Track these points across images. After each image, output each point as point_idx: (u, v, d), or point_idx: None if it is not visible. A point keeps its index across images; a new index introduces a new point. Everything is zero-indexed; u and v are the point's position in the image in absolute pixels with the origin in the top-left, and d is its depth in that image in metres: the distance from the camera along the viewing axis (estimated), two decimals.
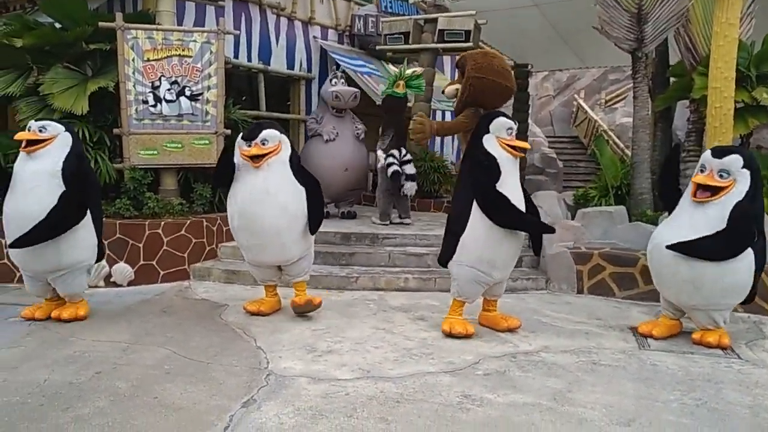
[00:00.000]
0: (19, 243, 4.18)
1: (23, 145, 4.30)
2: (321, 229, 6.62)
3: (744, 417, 3.17)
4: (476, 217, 4.23)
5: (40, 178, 4.23)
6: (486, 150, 4.25)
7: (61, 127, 4.44)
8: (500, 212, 4.20)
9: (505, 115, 4.46)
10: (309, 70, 10.59)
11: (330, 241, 6.60)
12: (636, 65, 6.99)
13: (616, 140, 12.76)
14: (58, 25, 6.39)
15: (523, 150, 4.35)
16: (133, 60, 6.28)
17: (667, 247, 4.19)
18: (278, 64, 10.08)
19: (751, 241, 4.10)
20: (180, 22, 8.03)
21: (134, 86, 6.30)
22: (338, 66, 10.38)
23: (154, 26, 6.49)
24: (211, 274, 5.92)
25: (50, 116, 5.87)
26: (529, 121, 11.65)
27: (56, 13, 6.41)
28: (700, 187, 4.17)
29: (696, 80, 6.58)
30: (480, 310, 4.73)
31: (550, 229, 4.59)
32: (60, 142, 4.37)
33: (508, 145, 4.26)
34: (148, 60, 6.35)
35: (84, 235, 4.42)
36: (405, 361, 3.86)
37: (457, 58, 7.21)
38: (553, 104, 17.19)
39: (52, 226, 4.19)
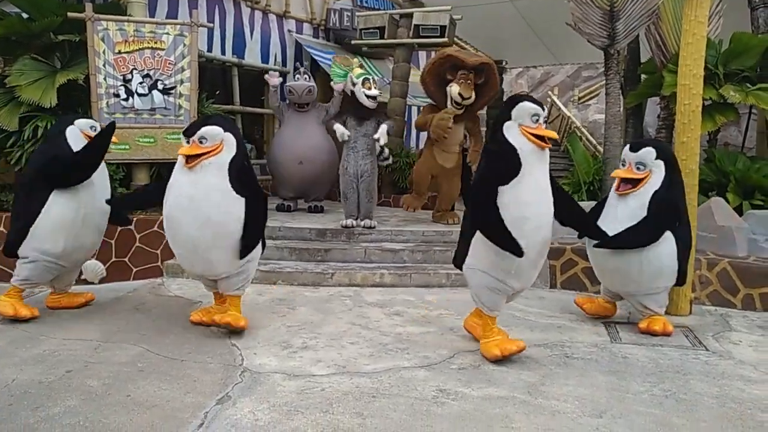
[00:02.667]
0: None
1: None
2: (296, 224, 6.76)
3: (711, 407, 3.25)
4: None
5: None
6: (504, 139, 3.74)
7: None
8: (481, 220, 3.76)
9: (531, 99, 3.92)
10: (284, 64, 10.52)
11: (305, 237, 6.57)
12: (608, 62, 7.09)
13: (589, 137, 12.93)
14: (25, 16, 6.23)
15: (551, 140, 3.80)
16: (103, 52, 6.16)
17: (594, 246, 4.47)
18: (252, 57, 9.99)
19: (669, 226, 4.34)
20: (152, 14, 7.90)
21: (105, 79, 6.18)
22: (314, 60, 10.33)
23: (125, 17, 6.36)
24: (185, 271, 5.84)
25: (17, 109, 5.76)
26: None
27: (23, 2, 6.24)
28: (622, 181, 4.43)
29: (666, 77, 6.71)
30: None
31: (519, 252, 3.66)
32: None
33: (532, 134, 3.72)
34: (120, 52, 6.23)
35: None
36: (380, 357, 3.87)
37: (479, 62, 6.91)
38: None
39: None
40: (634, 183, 4.35)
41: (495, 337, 3.92)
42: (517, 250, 3.61)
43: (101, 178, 4.65)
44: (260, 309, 4.87)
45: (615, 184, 4.54)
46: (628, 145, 4.54)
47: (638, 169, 4.35)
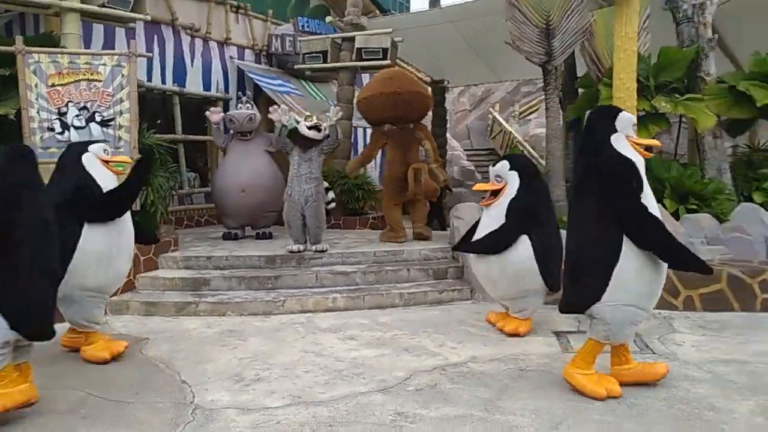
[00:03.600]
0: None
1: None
2: (244, 252, 6.64)
3: (660, 410, 3.32)
4: (629, 248, 3.40)
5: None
6: (617, 153, 3.42)
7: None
8: (652, 236, 3.38)
9: (618, 108, 3.77)
10: (226, 90, 10.44)
11: (254, 265, 6.46)
12: (547, 78, 7.31)
13: (531, 150, 13.27)
14: None
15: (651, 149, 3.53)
16: (35, 85, 5.96)
17: (453, 248, 4.89)
18: (194, 85, 9.89)
19: (525, 230, 4.60)
20: (87, 45, 7.74)
21: (38, 113, 5.98)
22: (257, 86, 10.28)
23: (58, 50, 6.19)
24: (129, 308, 5.64)
25: None
26: (448, 135, 11.91)
27: None
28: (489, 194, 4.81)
29: (602, 91, 6.97)
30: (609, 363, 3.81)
31: (707, 270, 3.40)
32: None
33: (640, 145, 3.46)
34: (53, 85, 6.04)
35: None
36: (336, 383, 3.81)
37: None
38: (469, 118, 17.68)
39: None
40: (496, 194, 4.71)
41: (590, 371, 3.59)
42: (705, 268, 3.33)
43: None
44: (210, 342, 4.73)
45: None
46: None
47: (497, 180, 4.72)
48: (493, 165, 4.84)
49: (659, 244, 3.39)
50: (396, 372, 4.00)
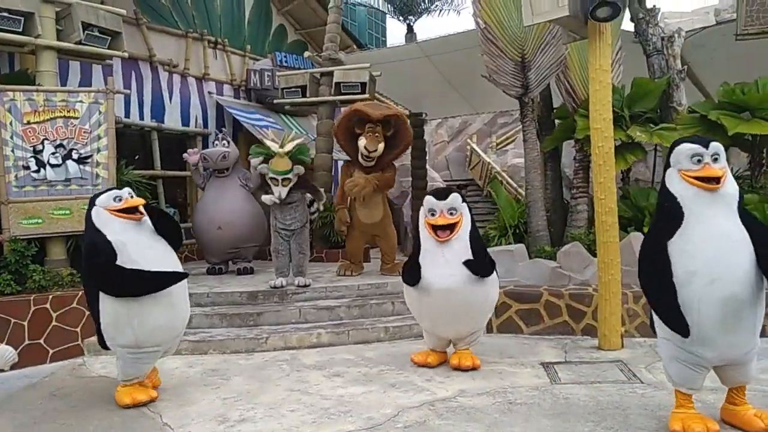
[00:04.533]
0: None
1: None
2: (225, 289, 6.53)
3: None
4: None
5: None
6: (666, 190, 3.37)
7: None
8: (646, 285, 3.38)
9: (694, 138, 3.50)
10: (205, 125, 10.42)
11: (236, 302, 6.35)
12: (523, 110, 7.42)
13: (509, 180, 13.36)
14: None
15: (716, 180, 3.21)
16: (10, 123, 5.87)
17: (465, 262, 4.49)
18: (172, 121, 9.85)
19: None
20: (64, 82, 7.68)
21: (13, 151, 5.87)
22: (237, 121, 10.28)
23: (34, 87, 6.12)
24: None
25: None
26: (427, 166, 11.98)
27: None
28: (438, 228, 4.54)
29: (578, 122, 7.08)
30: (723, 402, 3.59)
31: (684, 333, 3.18)
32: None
33: (693, 177, 3.25)
34: (29, 123, 5.96)
35: None
36: (323, 422, 3.72)
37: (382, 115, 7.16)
38: (448, 149, 17.85)
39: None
40: (452, 228, 4.53)
41: (685, 410, 3.41)
42: (681, 329, 3.15)
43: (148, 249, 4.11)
44: (192, 382, 4.61)
45: (427, 233, 4.60)
46: (430, 196, 4.65)
47: (451, 214, 4.55)
48: (439, 198, 4.58)
49: (643, 285, 3.40)
50: (384, 409, 3.92)
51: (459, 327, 4.74)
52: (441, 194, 4.63)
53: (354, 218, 7.48)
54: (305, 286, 6.59)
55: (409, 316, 6.15)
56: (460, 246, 4.54)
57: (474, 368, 4.71)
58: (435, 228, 4.54)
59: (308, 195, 6.98)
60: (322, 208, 7.59)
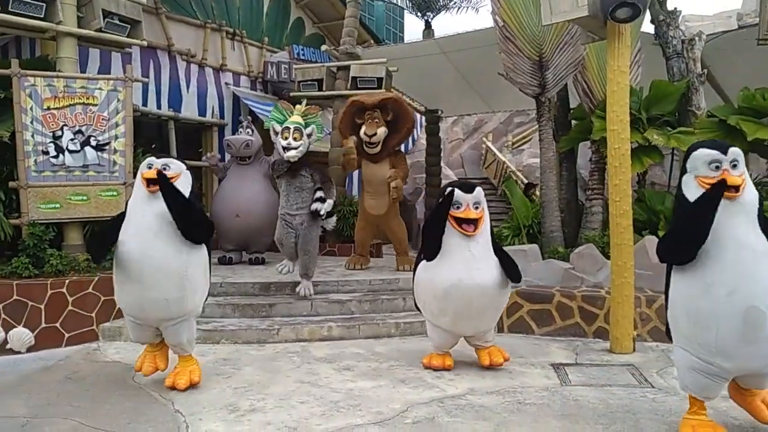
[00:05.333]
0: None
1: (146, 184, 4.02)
2: (238, 279, 6.57)
3: None
4: (676, 279, 3.27)
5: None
6: (681, 194, 3.27)
7: (183, 166, 4.22)
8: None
9: (711, 143, 3.33)
10: (221, 116, 10.46)
11: (249, 293, 6.40)
12: (540, 109, 7.39)
13: (525, 180, 13.30)
14: None
15: (736, 188, 3.08)
16: (31, 108, 5.93)
17: (502, 266, 4.45)
18: (189, 111, 9.90)
19: None
20: (84, 69, 7.74)
21: (33, 136, 5.94)
22: (252, 112, 10.32)
23: (54, 73, 6.18)
24: (123, 334, 5.54)
25: None
26: (442, 164, 11.97)
27: None
28: (465, 222, 4.37)
29: (595, 123, 7.04)
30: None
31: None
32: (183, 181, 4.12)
33: (710, 185, 3.12)
34: (49, 108, 6.02)
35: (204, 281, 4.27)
36: (332, 415, 3.74)
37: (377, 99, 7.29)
38: (463, 147, 17.78)
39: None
40: (476, 222, 4.38)
41: (697, 417, 3.39)
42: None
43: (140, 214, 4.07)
44: (204, 371, 4.63)
45: (452, 226, 4.39)
46: (455, 189, 4.44)
47: (476, 208, 4.40)
48: (466, 191, 4.40)
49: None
50: (393, 404, 3.94)
51: (480, 324, 4.64)
52: (468, 187, 4.47)
53: (361, 209, 7.61)
54: (305, 298, 6.16)
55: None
56: (484, 241, 4.46)
57: (506, 360, 4.73)
58: (460, 221, 4.38)
59: (319, 194, 6.20)
60: (333, 224, 6.58)
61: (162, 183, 3.97)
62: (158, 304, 4.03)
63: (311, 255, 6.23)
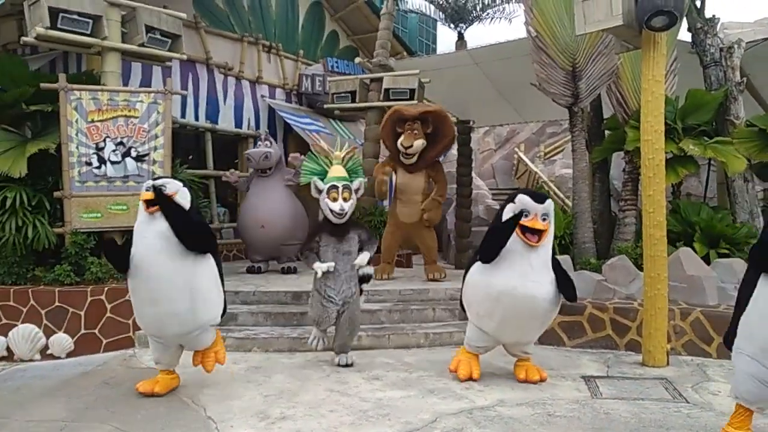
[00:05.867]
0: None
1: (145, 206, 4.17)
2: (271, 288, 6.67)
3: None
4: (763, 285, 3.16)
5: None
6: None
7: (180, 184, 4.35)
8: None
9: None
10: (257, 128, 10.66)
11: (281, 301, 6.49)
12: (573, 119, 7.33)
13: (556, 191, 13.18)
14: None
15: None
16: (76, 121, 6.17)
17: (559, 285, 4.39)
18: (226, 122, 10.12)
19: None
20: (126, 83, 7.99)
21: (77, 148, 6.16)
22: (287, 124, 10.49)
23: (99, 87, 6.41)
24: None
25: None
26: (473, 174, 11.93)
27: None
28: (529, 231, 4.31)
29: (629, 133, 6.95)
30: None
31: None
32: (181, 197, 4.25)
33: None
34: (93, 121, 6.24)
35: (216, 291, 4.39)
36: (361, 425, 3.78)
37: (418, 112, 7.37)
38: (494, 158, 17.71)
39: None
40: (540, 234, 4.33)
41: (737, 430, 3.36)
42: None
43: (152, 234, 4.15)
44: (235, 378, 4.75)
45: (516, 233, 4.33)
46: (526, 196, 4.41)
47: (544, 219, 4.35)
48: (536, 200, 4.35)
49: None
50: (422, 414, 3.95)
51: (524, 335, 4.64)
52: (539, 197, 4.42)
53: (392, 215, 7.65)
54: (348, 365, 5.12)
55: (451, 323, 6.19)
56: (545, 254, 4.40)
57: (542, 380, 4.67)
58: (525, 229, 4.31)
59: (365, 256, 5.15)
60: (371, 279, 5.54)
61: (160, 198, 4.13)
62: (172, 318, 4.17)
63: (354, 334, 5.34)
